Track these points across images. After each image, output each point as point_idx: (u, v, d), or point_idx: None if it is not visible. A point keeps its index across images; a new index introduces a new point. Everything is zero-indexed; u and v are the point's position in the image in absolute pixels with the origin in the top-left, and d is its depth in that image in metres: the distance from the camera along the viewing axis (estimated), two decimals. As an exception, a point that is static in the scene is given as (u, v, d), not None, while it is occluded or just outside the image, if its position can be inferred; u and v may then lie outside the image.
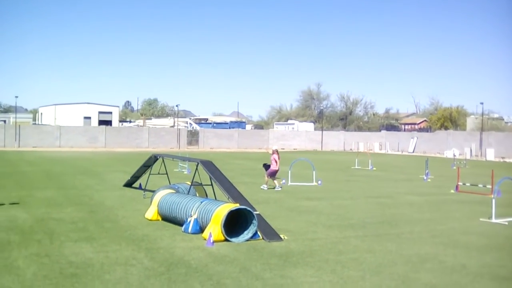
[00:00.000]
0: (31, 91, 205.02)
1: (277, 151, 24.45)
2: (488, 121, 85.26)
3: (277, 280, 9.40)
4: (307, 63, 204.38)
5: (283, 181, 26.54)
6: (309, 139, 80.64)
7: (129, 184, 23.19)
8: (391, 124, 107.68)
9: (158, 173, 21.79)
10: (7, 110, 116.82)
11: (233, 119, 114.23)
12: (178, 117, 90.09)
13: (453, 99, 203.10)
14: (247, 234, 12.78)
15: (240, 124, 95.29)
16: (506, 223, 16.17)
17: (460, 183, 25.35)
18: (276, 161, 23.83)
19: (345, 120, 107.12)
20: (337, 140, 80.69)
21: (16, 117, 74.75)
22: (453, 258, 11.55)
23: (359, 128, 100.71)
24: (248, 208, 13.02)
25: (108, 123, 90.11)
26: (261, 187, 24.22)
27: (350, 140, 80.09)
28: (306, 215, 16.94)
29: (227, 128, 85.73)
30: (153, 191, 17.15)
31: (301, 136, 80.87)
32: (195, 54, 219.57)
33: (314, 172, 27.54)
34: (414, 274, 10.06)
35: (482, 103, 73.61)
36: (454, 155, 56.38)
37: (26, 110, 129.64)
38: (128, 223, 14.63)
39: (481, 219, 16.80)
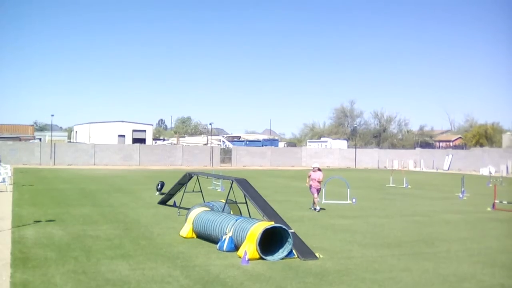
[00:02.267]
0: (67, 109, 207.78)
1: (318, 168, 23.17)
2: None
3: (313, 299, 9.35)
4: (340, 80, 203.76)
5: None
6: (342, 156, 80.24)
7: (163, 202, 23.34)
8: (425, 142, 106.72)
9: (193, 191, 21.89)
10: (42, 128, 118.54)
11: (266, 136, 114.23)
12: (211, 135, 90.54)
13: (488, 116, 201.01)
14: (282, 252, 12.75)
15: (272, 142, 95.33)
16: (546, 242, 15.87)
17: (496, 201, 24.97)
18: (313, 179, 22.96)
19: (379, 137, 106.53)
20: (370, 158, 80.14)
21: (51, 135, 75.83)
22: (492, 277, 11.37)
23: (393, 146, 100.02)
24: (283, 226, 13.00)
25: (142, 141, 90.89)
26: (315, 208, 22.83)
27: (384, 158, 79.48)
28: (341, 233, 16.85)
29: (259, 146, 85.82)
30: (187, 209, 17.23)
31: (334, 154, 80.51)
32: (228, 72, 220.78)
33: (348, 190, 27.40)
34: (452, 294, 9.92)
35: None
36: (490, 173, 55.64)
37: (61, 128, 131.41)
38: (164, 241, 14.70)
39: (518, 238, 16.53)
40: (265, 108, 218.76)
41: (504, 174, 58.04)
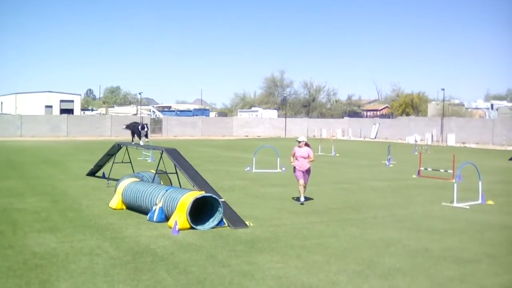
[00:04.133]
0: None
1: (305, 143, 17.13)
2: (449, 107, 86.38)
3: (243, 266, 9.45)
4: (271, 50, 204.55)
5: (247, 168, 26.57)
6: (273, 126, 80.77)
7: (92, 173, 22.99)
8: (353, 111, 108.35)
9: (122, 162, 21.64)
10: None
11: (197, 106, 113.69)
12: (141, 105, 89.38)
13: (415, 86, 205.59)
14: (213, 221, 12.80)
15: (203, 112, 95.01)
16: (468, 207, 16.48)
17: (421, 168, 25.70)
18: (297, 158, 17.01)
19: (308, 107, 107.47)
20: (300, 127, 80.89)
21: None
22: (416, 242, 11.74)
23: (322, 115, 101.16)
24: (214, 196, 13.03)
25: (70, 111, 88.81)
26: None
27: (313, 127, 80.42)
28: (271, 201, 17.02)
29: (190, 116, 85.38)
30: (117, 180, 17.03)
31: (264, 123, 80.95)
32: (157, 41, 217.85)
33: (278, 158, 27.64)
34: (378, 258, 10.21)
35: (443, 89, 74.71)
36: (416, 141, 57.07)
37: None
38: (92, 213, 14.52)
39: (443, 203, 17.11)
40: (196, 78, 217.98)
41: (429, 142, 59.71)
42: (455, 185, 17.21)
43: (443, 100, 77.67)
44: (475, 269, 9.64)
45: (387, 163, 31.92)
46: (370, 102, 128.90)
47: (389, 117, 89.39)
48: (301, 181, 16.73)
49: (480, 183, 17.85)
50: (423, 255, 10.52)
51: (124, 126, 26.04)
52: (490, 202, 17.39)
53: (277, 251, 10.59)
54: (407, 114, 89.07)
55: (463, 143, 62.81)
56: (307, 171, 16.94)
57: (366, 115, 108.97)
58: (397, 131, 72.85)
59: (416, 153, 39.48)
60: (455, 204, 16.74)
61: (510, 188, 21.60)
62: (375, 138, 74.24)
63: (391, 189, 20.70)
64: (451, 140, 63.03)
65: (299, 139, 17.26)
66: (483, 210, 16.10)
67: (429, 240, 11.95)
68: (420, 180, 23.68)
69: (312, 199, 17.45)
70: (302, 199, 16.73)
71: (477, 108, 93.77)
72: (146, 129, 25.64)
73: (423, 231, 12.86)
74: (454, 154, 25.71)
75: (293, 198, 17.56)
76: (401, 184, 22.36)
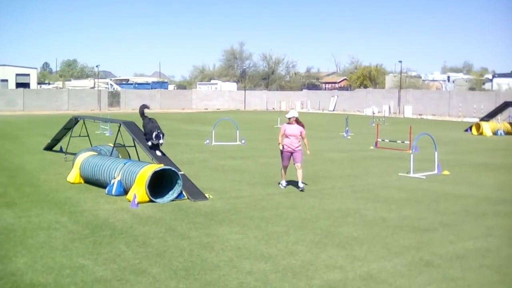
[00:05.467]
0: None
1: (296, 119, 14.73)
2: (406, 79, 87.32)
3: (203, 238, 9.50)
4: (230, 22, 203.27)
5: (207, 141, 26.54)
6: (232, 99, 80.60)
7: (49, 148, 22.68)
8: (312, 83, 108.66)
9: (79, 136, 21.40)
10: None
11: (155, 79, 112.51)
12: (98, 78, 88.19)
13: (373, 58, 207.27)
14: (172, 194, 12.79)
15: (162, 85, 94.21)
16: (424, 177, 16.80)
17: (379, 140, 26.03)
18: (288, 136, 14.66)
19: (268, 79, 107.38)
20: (259, 100, 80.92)
21: None
22: (374, 211, 11.94)
23: (281, 88, 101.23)
24: (173, 169, 13.00)
25: (26, 85, 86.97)
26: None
27: (273, 100, 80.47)
28: (230, 174, 17.08)
29: (149, 89, 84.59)
30: (74, 154, 16.84)
31: (224, 96, 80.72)
32: (115, 13, 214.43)
33: (237, 131, 27.67)
34: (336, 228, 10.36)
35: (400, 62, 75.46)
36: (373, 113, 57.70)
37: None
38: (50, 187, 14.36)
39: (399, 174, 17.40)
40: (154, 50, 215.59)
41: (387, 114, 60.43)
42: (412, 156, 17.51)
43: (401, 73, 78.45)
44: (430, 237, 9.85)
45: (345, 135, 32.27)
46: (328, 75, 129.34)
47: (347, 90, 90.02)
48: (285, 166, 14.78)
49: (436, 153, 18.19)
50: (380, 225, 10.71)
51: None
52: (445, 172, 17.74)
53: (237, 223, 10.66)
54: (365, 87, 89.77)
55: (420, 114, 63.71)
56: (298, 151, 14.49)
57: (325, 88, 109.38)
58: (355, 103, 73.42)
59: (374, 124, 39.91)
60: (411, 175, 17.05)
61: (465, 159, 22.05)
62: (333, 110, 74.73)
63: (349, 160, 20.94)
64: (408, 111, 63.87)
65: (288, 115, 14.71)
66: (439, 180, 16.43)
67: (386, 210, 12.16)
68: (378, 151, 23.99)
69: (306, 184, 15.14)
70: (284, 183, 14.89)
71: (434, 80, 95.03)
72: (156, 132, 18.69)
73: (380, 201, 13.07)
74: (411, 126, 26.09)
75: (279, 184, 15.15)
76: (359, 155, 22.64)
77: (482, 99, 61.42)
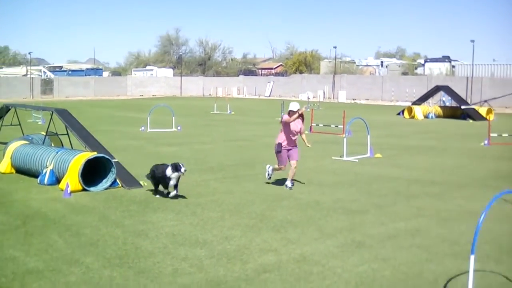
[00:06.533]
0: None
1: (299, 114, 12.78)
2: (341, 64, 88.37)
3: (137, 226, 9.45)
4: (166, 8, 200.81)
5: (142, 127, 26.28)
6: (168, 85, 79.87)
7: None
8: (249, 69, 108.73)
9: (11, 125, 20.85)
10: None
11: (89, 66, 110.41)
12: (31, 66, 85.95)
13: (308, 44, 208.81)
14: (106, 182, 12.65)
15: (96, 71, 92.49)
16: (357, 161, 17.13)
17: (313, 124, 26.36)
18: (290, 132, 12.81)
19: (204, 65, 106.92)
20: (196, 86, 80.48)
21: None
22: (308, 195, 12.11)
23: (218, 74, 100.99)
24: (106, 156, 12.85)
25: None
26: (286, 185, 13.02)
27: (209, 86, 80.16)
28: (165, 160, 16.86)
29: (83, 76, 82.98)
30: (5, 143, 16.40)
31: (160, 82, 79.94)
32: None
33: (173, 118, 27.50)
34: (271, 212, 10.47)
35: (335, 47, 76.29)
36: (308, 98, 58.21)
37: None
38: (-21, 177, 13.99)
39: (333, 158, 17.69)
40: (88, 36, 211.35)
41: (321, 99, 61.20)
42: (345, 139, 17.83)
43: (335, 58, 79.41)
44: (362, 219, 10.08)
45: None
46: (265, 61, 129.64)
47: (283, 75, 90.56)
48: (283, 167, 12.94)
49: (368, 137, 18.55)
50: (314, 208, 10.88)
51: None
52: (378, 155, 18.13)
53: (172, 209, 10.64)
54: (301, 72, 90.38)
55: (354, 99, 64.67)
56: (295, 147, 12.97)
57: (261, 74, 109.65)
58: (290, 89, 73.90)
59: (309, 109, 40.25)
60: (345, 158, 17.36)
61: (397, 142, 22.58)
62: (269, 96, 75.07)
63: (284, 145, 21.10)
64: (342, 96, 64.78)
65: (293, 108, 12.69)
66: (371, 163, 16.79)
67: (319, 193, 12.35)
68: (312, 136, 24.22)
69: (303, 183, 13.49)
70: (289, 184, 12.80)
71: (367, 66, 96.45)
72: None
73: (314, 185, 13.26)
74: (344, 110, 26.50)
75: (268, 178, 13.44)
76: (294, 140, 22.83)
77: (414, 83, 62.83)
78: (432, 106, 41.23)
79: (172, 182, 11.57)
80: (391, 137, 24.36)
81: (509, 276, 7.24)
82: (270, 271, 7.27)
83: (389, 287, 6.82)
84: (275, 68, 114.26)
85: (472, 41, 63.12)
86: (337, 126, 24.13)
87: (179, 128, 26.54)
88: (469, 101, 49.50)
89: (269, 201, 11.47)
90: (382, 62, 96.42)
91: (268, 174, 13.23)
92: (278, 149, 12.74)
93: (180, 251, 8.08)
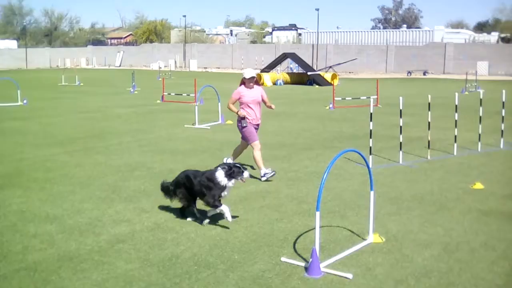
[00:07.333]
0: None
1: (255, 80, 10.92)
2: (191, 33, 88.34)
3: (-18, 204, 9.03)
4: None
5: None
6: (13, 57, 75.80)
7: None
8: (97, 39, 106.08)
9: None
10: None
11: None
12: None
13: (158, 13, 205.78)
14: None
15: None
16: (209, 128, 17.36)
17: (165, 94, 26.29)
18: (248, 104, 10.84)
19: (50, 36, 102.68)
20: (42, 57, 77.17)
21: None
22: (160, 164, 12.12)
23: (65, 44, 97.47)
24: None
25: None
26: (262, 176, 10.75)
27: (56, 57, 77.20)
28: (11, 136, 16.25)
29: None
30: None
31: (3, 55, 75.65)
32: None
33: (18, 91, 26.24)
34: (124, 183, 10.39)
35: (184, 16, 76.47)
36: (160, 67, 57.84)
37: None
38: None
39: (185, 126, 17.79)
40: None
41: (173, 68, 61.00)
42: (196, 107, 17.97)
43: (185, 27, 79.22)
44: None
45: (132, 90, 32.15)
46: (114, 30, 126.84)
47: (134, 45, 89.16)
48: (258, 142, 10.82)
49: (219, 104, 18.80)
50: (167, 176, 10.84)
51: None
52: (229, 122, 18.45)
53: (19, 186, 10.24)
54: (151, 41, 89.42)
55: (205, 68, 65.07)
56: (259, 124, 11.07)
57: (110, 43, 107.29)
58: (141, 58, 73.07)
59: (160, 79, 40.07)
60: (197, 126, 17.52)
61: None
62: (120, 66, 73.74)
63: (136, 115, 20.94)
64: (194, 65, 64.92)
65: (247, 75, 10.79)
66: (223, 130, 17.07)
67: (172, 161, 12.40)
68: (164, 105, 24.24)
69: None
70: (267, 171, 10.67)
71: (217, 34, 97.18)
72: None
73: (167, 153, 13.30)
74: (195, 79, 26.57)
75: (258, 177, 10.74)
76: (145, 109, 22.72)
77: (263, 51, 64.21)
78: (280, 73, 42.40)
79: (224, 194, 8.04)
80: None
81: (353, 230, 7.70)
82: (123, 241, 7.25)
83: (241, 248, 7.03)
84: (125, 37, 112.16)
85: (317, 9, 65.60)
86: (188, 95, 24.19)
87: (25, 102, 25.39)
88: (315, 67, 51.47)
89: (122, 171, 11.36)
90: (231, 31, 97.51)
91: (268, 174, 10.66)
92: (243, 125, 10.73)
93: (30, 228, 7.82)
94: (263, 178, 10.57)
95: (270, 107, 11.14)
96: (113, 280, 6.02)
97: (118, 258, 6.65)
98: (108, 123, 18.81)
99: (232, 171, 7.88)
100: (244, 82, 10.87)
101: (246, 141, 10.94)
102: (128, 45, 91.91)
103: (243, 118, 10.72)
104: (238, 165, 8.09)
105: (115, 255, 6.77)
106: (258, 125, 10.94)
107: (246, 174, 7.94)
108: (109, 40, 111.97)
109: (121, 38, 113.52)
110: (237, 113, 10.77)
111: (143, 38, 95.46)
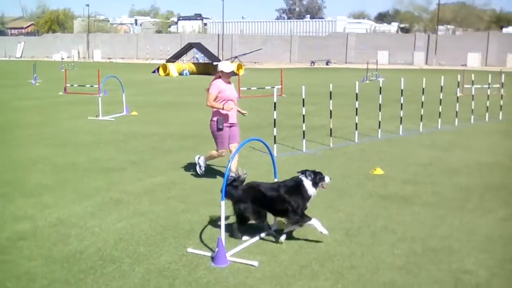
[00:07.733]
0: None
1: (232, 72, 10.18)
2: (95, 23, 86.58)
3: None
4: None
5: None
6: None
7: None
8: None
9: None
10: None
11: None
12: None
13: (60, 2, 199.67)
14: None
15: None
16: (113, 119, 17.13)
17: (68, 85, 25.70)
18: (228, 101, 9.75)
19: None
20: None
21: None
22: (63, 157, 11.85)
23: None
24: None
25: None
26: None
27: (-49, 48, 73.98)
28: None
29: None
30: None
31: None
32: None
33: None
34: (25, 177, 10.08)
35: (87, 5, 74.72)
36: (62, 58, 56.38)
37: None
38: None
39: (89, 118, 17.49)
40: None
41: (76, 59, 59.55)
42: (100, 99, 17.67)
43: (88, 17, 77.52)
44: (120, 176, 10.14)
45: (34, 82, 31.21)
46: (15, 20, 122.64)
47: (35, 35, 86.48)
48: (224, 151, 10.07)
49: (124, 95, 18.57)
50: (69, 170, 10.69)
51: None
52: (134, 113, 18.27)
53: None
54: (54, 31, 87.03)
55: (110, 58, 63.93)
56: (236, 124, 10.11)
57: (11, 34, 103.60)
58: (43, 49, 71.08)
59: (63, 70, 39.06)
60: (100, 118, 17.24)
61: (152, 99, 22.95)
62: (21, 57, 71.38)
63: (37, 107, 20.38)
64: (98, 55, 63.71)
65: (226, 69, 9.70)
66: (127, 121, 16.89)
67: (75, 154, 12.15)
68: (67, 97, 23.71)
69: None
70: (203, 164, 10.21)
71: (122, 24, 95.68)
72: None
73: (69, 146, 13.02)
74: (99, 69, 26.06)
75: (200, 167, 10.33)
76: (48, 102, 22.16)
77: (168, 41, 63.80)
78: (186, 63, 42.23)
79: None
80: (147, 94, 24.63)
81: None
82: (25, 238, 7.05)
83: (147, 240, 6.99)
84: (26, 27, 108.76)
85: (222, -2, 65.51)
86: (92, 86, 23.73)
87: None
88: (221, 57, 51.60)
89: (22, 165, 11.03)
90: (136, 20, 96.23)
91: (200, 168, 10.21)
92: (219, 126, 9.72)
93: None
94: (197, 160, 10.18)
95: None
96: (14, 279, 5.86)
97: (20, 256, 6.47)
98: (8, 116, 18.21)
99: (317, 178, 7.03)
100: (219, 76, 9.82)
101: (215, 144, 10.03)
102: (29, 35, 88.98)
103: (225, 115, 9.71)
104: (317, 171, 7.19)
105: (16, 253, 6.59)
106: (233, 125, 9.94)
107: (327, 179, 7.13)
108: (9, 30, 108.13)
109: (22, 28, 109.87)
110: (222, 108, 9.62)
111: (45, 28, 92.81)
